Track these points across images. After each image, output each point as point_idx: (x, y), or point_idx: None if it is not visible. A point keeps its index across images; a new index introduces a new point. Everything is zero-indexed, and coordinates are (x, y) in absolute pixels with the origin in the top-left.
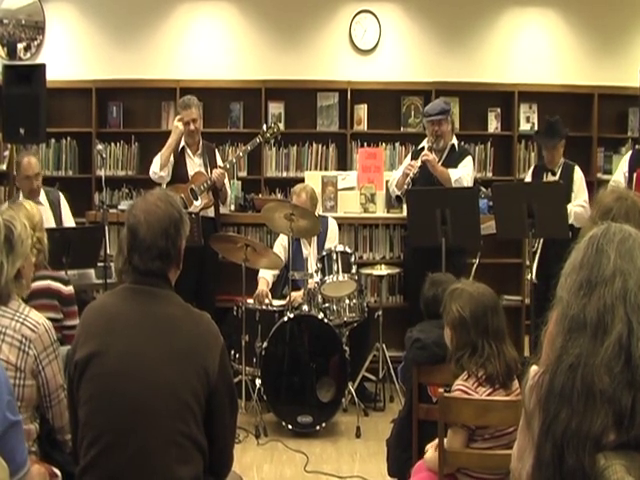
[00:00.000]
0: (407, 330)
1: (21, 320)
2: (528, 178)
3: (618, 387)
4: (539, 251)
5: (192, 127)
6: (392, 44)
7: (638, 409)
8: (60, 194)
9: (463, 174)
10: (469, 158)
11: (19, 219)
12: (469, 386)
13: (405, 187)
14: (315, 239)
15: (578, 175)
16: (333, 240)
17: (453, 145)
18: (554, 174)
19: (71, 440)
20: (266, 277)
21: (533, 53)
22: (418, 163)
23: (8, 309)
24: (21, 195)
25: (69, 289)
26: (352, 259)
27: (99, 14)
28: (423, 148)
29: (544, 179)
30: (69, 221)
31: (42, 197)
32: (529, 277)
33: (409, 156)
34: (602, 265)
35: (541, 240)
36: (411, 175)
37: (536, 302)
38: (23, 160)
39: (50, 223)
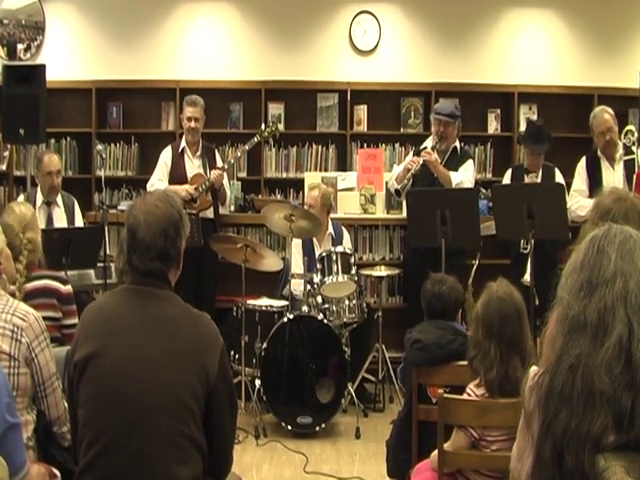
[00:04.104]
0: (406, 331)
1: (11, 312)
2: (507, 180)
3: (618, 388)
4: (532, 252)
5: (193, 124)
6: (392, 45)
7: (638, 410)
8: (75, 200)
9: (464, 178)
10: (470, 161)
11: None
12: (478, 394)
13: (405, 182)
14: (330, 242)
15: (559, 178)
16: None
17: (455, 147)
18: (535, 176)
19: (71, 438)
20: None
21: (533, 54)
22: (421, 161)
23: None
24: (38, 194)
25: (67, 288)
26: (352, 260)
27: (99, 14)
28: (426, 147)
29: (525, 180)
30: None
31: (59, 200)
32: (523, 279)
33: (410, 154)
34: (603, 266)
35: (533, 241)
36: (412, 171)
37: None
38: (44, 157)
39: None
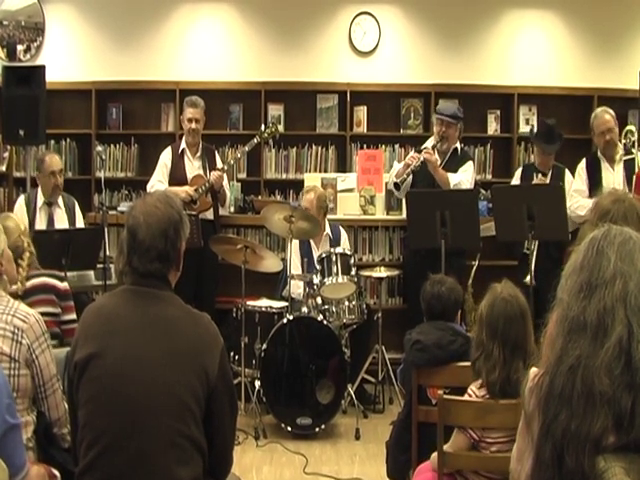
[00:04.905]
0: (406, 332)
1: (12, 313)
2: (517, 179)
3: (618, 389)
4: (535, 253)
5: (194, 125)
6: (392, 46)
7: (638, 411)
8: (75, 201)
9: (462, 179)
10: (470, 163)
11: None
12: (479, 395)
13: (404, 176)
14: (327, 243)
15: (569, 178)
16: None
17: (456, 148)
18: (545, 175)
19: (70, 438)
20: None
21: (533, 55)
22: (421, 157)
23: None
24: (39, 195)
25: (65, 284)
26: (351, 261)
27: (99, 16)
28: (426, 147)
29: (534, 180)
30: None
31: (60, 201)
32: (526, 280)
33: (412, 153)
34: (602, 267)
35: (536, 242)
36: (412, 167)
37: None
38: (45, 158)
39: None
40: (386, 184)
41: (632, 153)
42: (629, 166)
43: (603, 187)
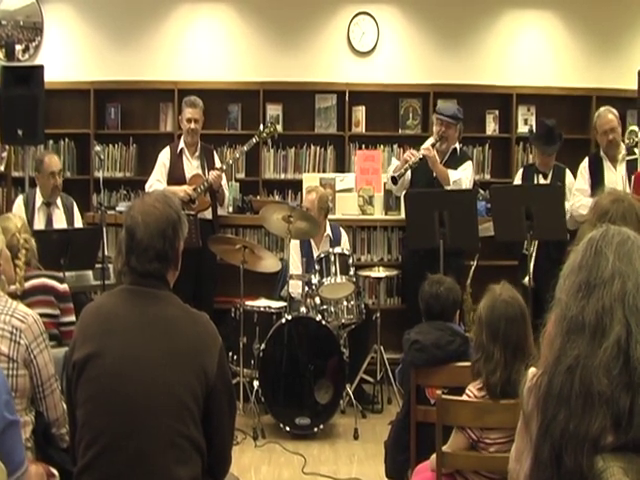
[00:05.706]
0: (405, 332)
1: (10, 313)
2: (518, 180)
3: (616, 389)
4: (534, 254)
5: (193, 125)
6: (390, 46)
7: (636, 411)
8: (73, 201)
9: (462, 176)
10: (469, 162)
11: None
12: (478, 396)
13: (402, 171)
14: (328, 244)
15: (570, 179)
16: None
17: (455, 149)
18: (545, 176)
19: (69, 438)
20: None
21: (531, 55)
22: (419, 155)
23: None
24: (38, 196)
25: (64, 286)
26: (350, 261)
27: (97, 15)
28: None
29: (535, 181)
30: None
31: (58, 201)
32: (525, 280)
33: (410, 150)
34: (601, 267)
35: (536, 243)
36: (410, 163)
37: (533, 305)
38: (44, 158)
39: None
40: (384, 184)
41: (634, 153)
42: (632, 166)
43: (605, 187)
